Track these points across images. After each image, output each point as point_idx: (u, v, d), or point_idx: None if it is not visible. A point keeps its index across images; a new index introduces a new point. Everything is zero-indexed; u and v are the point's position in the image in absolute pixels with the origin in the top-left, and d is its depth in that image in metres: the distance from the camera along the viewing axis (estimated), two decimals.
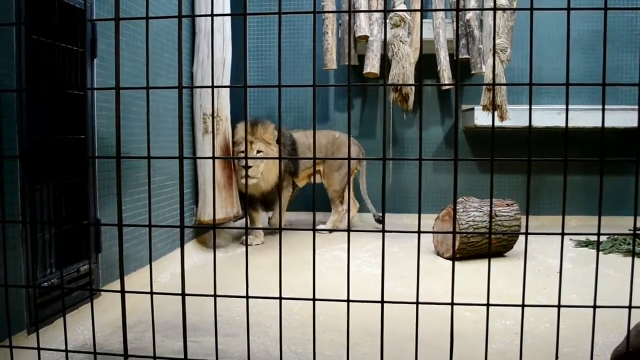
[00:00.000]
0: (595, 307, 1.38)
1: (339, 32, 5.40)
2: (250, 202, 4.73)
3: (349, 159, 1.43)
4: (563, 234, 1.38)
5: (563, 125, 5.22)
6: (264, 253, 4.36)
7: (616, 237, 4.64)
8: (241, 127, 4.55)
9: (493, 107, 1.42)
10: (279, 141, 4.39)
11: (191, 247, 4.36)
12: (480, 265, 3.93)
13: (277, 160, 4.35)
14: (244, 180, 4.32)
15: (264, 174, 4.53)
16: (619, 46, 5.67)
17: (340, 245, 4.57)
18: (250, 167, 4.38)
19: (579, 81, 5.54)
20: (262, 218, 5.24)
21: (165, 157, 1.46)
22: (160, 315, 2.73)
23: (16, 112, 2.28)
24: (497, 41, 4.37)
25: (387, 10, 1.42)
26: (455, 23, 5.26)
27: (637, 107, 5.40)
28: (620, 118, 5.22)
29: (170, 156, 1.49)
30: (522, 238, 4.33)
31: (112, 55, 3.01)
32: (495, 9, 1.43)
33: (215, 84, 4.34)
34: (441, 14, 5.16)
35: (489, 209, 1.49)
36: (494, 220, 4.20)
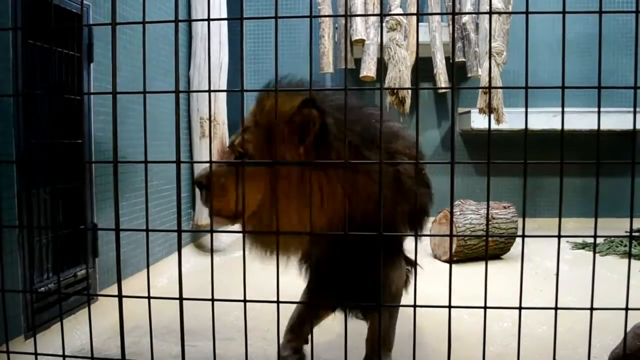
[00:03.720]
0: (592, 309, 1.38)
1: (335, 36, 5.40)
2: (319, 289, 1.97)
3: (346, 162, 1.42)
4: (559, 236, 1.38)
5: (559, 127, 5.24)
6: None
7: (612, 239, 4.66)
8: None
9: (489, 109, 1.42)
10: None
11: (188, 251, 4.35)
12: (477, 268, 3.93)
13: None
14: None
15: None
16: (615, 49, 5.69)
17: None
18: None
19: (575, 84, 5.51)
20: None
21: (162, 161, 1.45)
22: (157, 320, 2.71)
23: (12, 117, 2.27)
24: (493, 44, 4.39)
25: (383, 14, 1.42)
26: (451, 26, 5.27)
27: (632, 109, 5.42)
28: (616, 120, 5.24)
29: (167, 160, 1.48)
30: (518, 240, 4.33)
31: (109, 59, 3.01)
32: (490, 12, 1.43)
33: (211, 88, 4.34)
34: (437, 17, 5.17)
35: (486, 212, 1.49)
36: (490, 222, 4.20)
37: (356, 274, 1.71)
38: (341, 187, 1.60)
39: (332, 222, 1.64)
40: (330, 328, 2.66)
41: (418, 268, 2.04)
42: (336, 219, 1.63)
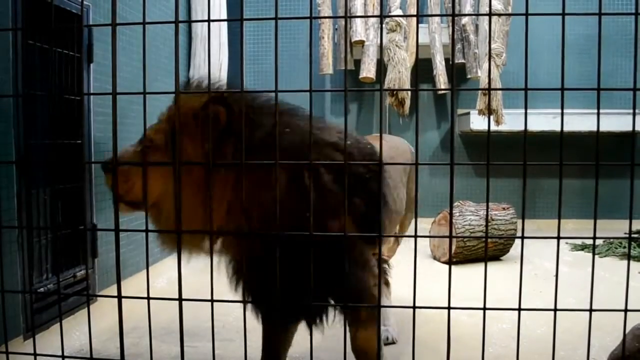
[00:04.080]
0: (591, 310, 1.38)
1: (335, 37, 5.40)
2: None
3: (345, 162, 1.42)
4: (559, 238, 1.39)
5: (558, 129, 5.24)
6: None
7: (612, 240, 4.66)
8: None
9: (488, 111, 1.42)
10: None
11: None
12: (477, 269, 3.93)
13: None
14: None
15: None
16: (614, 50, 5.70)
17: None
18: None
19: (574, 85, 5.56)
20: None
21: (161, 163, 1.46)
22: (156, 321, 2.71)
23: (12, 117, 2.27)
24: (493, 45, 4.40)
25: (382, 15, 1.42)
26: (450, 27, 5.28)
27: (631, 111, 5.43)
28: (615, 122, 5.25)
29: (166, 162, 1.48)
30: (518, 242, 4.33)
31: (109, 60, 3.00)
32: (490, 14, 1.43)
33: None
34: (436, 18, 5.18)
35: (485, 213, 1.49)
36: (490, 224, 4.21)
37: (291, 278, 1.62)
38: (231, 190, 1.57)
39: (224, 222, 1.64)
40: (330, 330, 2.66)
41: (388, 268, 1.99)
42: (231, 221, 1.63)
